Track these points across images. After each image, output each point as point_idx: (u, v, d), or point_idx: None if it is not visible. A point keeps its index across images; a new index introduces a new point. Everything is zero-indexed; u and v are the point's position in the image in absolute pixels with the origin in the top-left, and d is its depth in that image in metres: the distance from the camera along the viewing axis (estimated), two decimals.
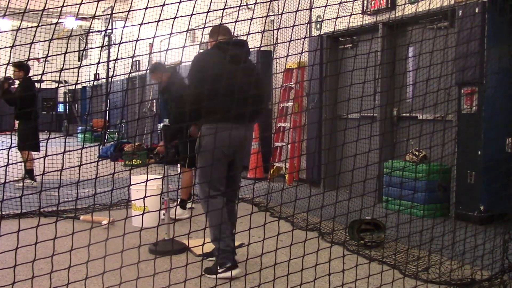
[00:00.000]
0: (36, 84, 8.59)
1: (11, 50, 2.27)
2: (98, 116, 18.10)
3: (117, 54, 2.96)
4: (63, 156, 2.27)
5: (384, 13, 6.56)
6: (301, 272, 3.09)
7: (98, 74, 15.42)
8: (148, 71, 5.55)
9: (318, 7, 6.99)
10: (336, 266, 3.45)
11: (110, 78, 14.36)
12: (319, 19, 7.71)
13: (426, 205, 5.53)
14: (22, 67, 7.55)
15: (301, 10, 3.07)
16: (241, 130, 3.44)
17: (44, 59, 2.30)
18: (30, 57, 2.31)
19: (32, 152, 7.51)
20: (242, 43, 3.66)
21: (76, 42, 15.32)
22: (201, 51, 3.89)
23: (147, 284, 2.99)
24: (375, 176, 5.77)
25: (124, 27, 5.03)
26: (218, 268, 3.40)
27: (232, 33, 3.76)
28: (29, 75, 7.84)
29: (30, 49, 2.18)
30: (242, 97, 3.27)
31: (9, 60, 2.16)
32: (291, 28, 2.79)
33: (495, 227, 3.58)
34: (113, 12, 11.05)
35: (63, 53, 2.37)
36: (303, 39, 3.27)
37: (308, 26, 7.76)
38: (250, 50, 3.73)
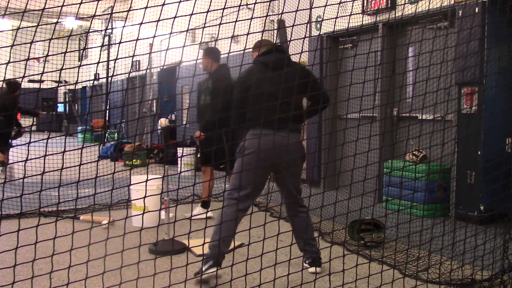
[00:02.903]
0: (20, 100, 8.92)
1: (11, 50, 2.27)
2: (98, 116, 18.09)
3: (117, 54, 2.96)
4: (63, 156, 2.26)
5: (384, 13, 6.56)
6: (301, 272, 3.10)
7: (98, 74, 15.42)
8: (203, 49, 5.39)
9: (318, 7, 6.99)
10: (336, 266, 3.45)
11: (110, 78, 14.35)
12: (319, 19, 7.70)
13: (426, 205, 5.52)
14: (7, 85, 7.71)
15: (301, 10, 3.07)
16: (277, 137, 3.31)
17: (44, 59, 2.30)
18: (30, 57, 2.31)
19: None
20: (281, 49, 3.66)
21: (76, 42, 15.32)
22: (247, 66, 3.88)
23: (147, 284, 2.99)
24: (375, 176, 5.76)
25: (124, 27, 5.02)
26: (204, 264, 3.34)
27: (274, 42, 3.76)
28: (17, 93, 7.98)
29: (30, 49, 2.18)
30: (275, 104, 3.24)
31: (9, 60, 2.16)
32: (291, 28, 2.79)
33: (495, 227, 3.58)
34: (113, 12, 11.05)
35: (63, 53, 2.37)
36: (303, 39, 3.27)
37: (308, 26, 7.76)
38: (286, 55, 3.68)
